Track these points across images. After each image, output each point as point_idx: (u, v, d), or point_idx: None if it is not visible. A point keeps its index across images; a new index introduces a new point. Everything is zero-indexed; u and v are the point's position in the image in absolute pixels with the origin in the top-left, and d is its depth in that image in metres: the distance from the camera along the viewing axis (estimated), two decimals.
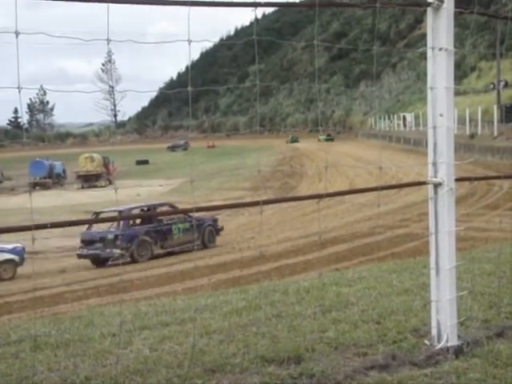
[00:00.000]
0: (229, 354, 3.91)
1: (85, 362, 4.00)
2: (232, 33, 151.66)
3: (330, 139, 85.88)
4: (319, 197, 4.10)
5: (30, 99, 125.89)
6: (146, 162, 75.14)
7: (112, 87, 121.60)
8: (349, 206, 30.99)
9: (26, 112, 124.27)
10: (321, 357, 3.81)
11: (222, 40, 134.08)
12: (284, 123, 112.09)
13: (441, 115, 3.82)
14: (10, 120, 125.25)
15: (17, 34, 3.24)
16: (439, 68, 3.81)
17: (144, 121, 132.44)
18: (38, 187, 56.07)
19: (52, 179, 59.64)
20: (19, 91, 3.40)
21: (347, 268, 10.95)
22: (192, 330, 4.32)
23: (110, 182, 57.98)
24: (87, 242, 22.51)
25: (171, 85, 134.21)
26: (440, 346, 3.86)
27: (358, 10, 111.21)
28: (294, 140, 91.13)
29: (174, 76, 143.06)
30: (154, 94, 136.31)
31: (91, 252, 22.42)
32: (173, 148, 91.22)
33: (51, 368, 3.92)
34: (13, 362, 4.16)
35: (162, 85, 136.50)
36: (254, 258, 19.17)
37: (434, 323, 3.95)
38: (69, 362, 4.02)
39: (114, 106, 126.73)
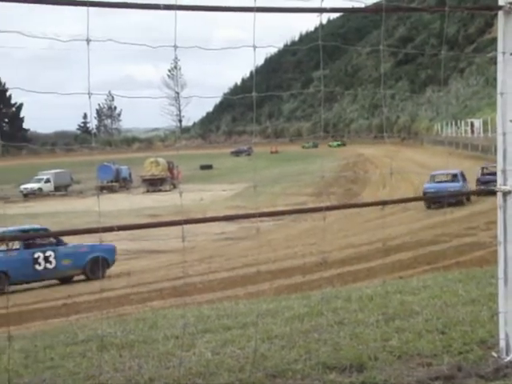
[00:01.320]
0: (290, 360, 3.90)
1: (149, 363, 4.06)
2: (296, 38, 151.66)
3: (341, 145, 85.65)
4: (383, 203, 4.06)
5: (99, 105, 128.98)
6: (209, 167, 75.85)
7: (177, 93, 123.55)
8: (413, 213, 30.52)
9: (95, 117, 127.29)
10: (384, 365, 3.75)
11: (286, 46, 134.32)
12: (348, 129, 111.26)
13: (511, 121, 3.72)
14: (79, 125, 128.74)
15: (88, 41, 3.33)
16: (510, 73, 3.71)
17: (208, 126, 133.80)
18: (105, 191, 57.34)
19: (118, 183, 60.87)
20: (89, 97, 3.49)
21: (411, 276, 10.76)
22: (254, 335, 4.32)
23: (175, 187, 58.74)
24: None
25: (235, 90, 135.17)
26: (508, 358, 3.76)
27: (426, 15, 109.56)
28: (314, 146, 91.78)
29: (238, 81, 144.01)
30: (218, 100, 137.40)
31: None
32: (236, 153, 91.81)
33: (116, 368, 4.00)
34: (80, 360, 4.27)
35: (226, 90, 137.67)
36: (317, 264, 19.07)
37: (502, 335, 3.84)
38: (133, 363, 4.09)
39: (179, 111, 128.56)
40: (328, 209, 3.78)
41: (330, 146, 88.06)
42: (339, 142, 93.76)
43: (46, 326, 11.57)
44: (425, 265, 17.47)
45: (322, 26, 4.36)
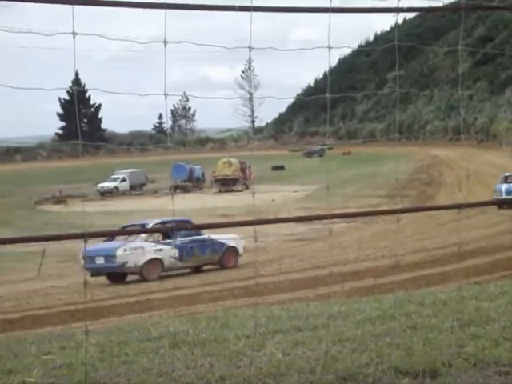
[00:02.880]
0: (361, 363, 3.86)
1: (220, 362, 4.10)
2: (371, 38, 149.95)
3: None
4: (459, 207, 3.96)
5: (174, 105, 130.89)
6: (281, 168, 75.89)
7: (251, 94, 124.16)
8: (490, 217, 29.70)
9: (170, 118, 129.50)
10: (458, 372, 3.67)
11: (360, 46, 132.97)
12: (423, 130, 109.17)
13: None
14: (154, 125, 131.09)
15: (165, 43, 3.39)
16: None
17: (281, 127, 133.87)
18: (178, 190, 58.22)
19: (192, 183, 61.66)
20: (165, 97, 3.55)
21: (488, 282, 10.47)
22: (325, 337, 4.30)
23: (247, 187, 59.07)
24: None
25: (308, 91, 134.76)
26: None
27: (506, 13, 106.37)
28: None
29: (312, 82, 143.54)
30: (291, 101, 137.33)
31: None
32: (309, 154, 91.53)
33: (188, 365, 4.06)
34: (153, 357, 4.35)
35: (299, 91, 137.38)
36: (389, 267, 18.81)
37: None
38: (205, 361, 4.14)
39: (252, 112, 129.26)
40: (402, 211, 3.72)
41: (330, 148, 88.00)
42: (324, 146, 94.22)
43: (121, 321, 11.86)
44: (502, 270, 16.97)
45: (397, 25, 4.30)
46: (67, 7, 3.14)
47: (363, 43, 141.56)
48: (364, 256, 22.93)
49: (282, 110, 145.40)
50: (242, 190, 57.50)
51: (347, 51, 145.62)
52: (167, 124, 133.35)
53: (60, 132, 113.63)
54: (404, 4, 3.51)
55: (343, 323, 5.00)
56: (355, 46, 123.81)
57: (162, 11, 3.26)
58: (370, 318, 5.07)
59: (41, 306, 17.21)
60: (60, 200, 53.09)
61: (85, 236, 3.47)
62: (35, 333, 9.75)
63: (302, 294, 16.02)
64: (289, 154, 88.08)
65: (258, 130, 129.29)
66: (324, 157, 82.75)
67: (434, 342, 4.23)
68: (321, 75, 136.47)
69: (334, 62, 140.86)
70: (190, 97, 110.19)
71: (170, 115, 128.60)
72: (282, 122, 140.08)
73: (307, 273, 20.08)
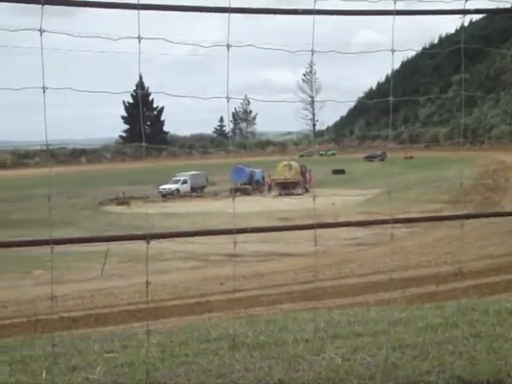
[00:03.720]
0: (422, 371, 3.79)
1: (279, 365, 4.10)
2: (436, 41, 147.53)
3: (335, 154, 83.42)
4: None
5: (235, 108, 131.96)
6: (342, 172, 75.41)
7: (312, 97, 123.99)
8: None
9: (231, 121, 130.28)
10: None
11: (424, 49, 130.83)
12: (488, 135, 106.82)
13: None
14: (215, 128, 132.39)
15: (228, 46, 3.42)
16: None
17: (342, 130, 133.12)
18: (238, 193, 58.50)
19: (252, 186, 61.86)
20: (227, 101, 3.58)
21: None
22: (385, 343, 4.25)
23: (307, 190, 58.90)
24: None
25: (370, 94, 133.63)
26: None
27: None
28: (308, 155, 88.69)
29: (374, 85, 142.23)
30: (352, 104, 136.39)
31: None
32: (370, 158, 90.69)
33: (247, 368, 4.07)
34: (212, 358, 4.38)
35: (361, 94, 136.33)
36: (451, 273, 18.44)
37: None
38: (263, 364, 4.14)
39: (313, 115, 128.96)
40: (466, 217, 3.65)
41: (321, 155, 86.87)
42: (334, 152, 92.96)
43: (181, 322, 11.99)
44: None
45: (463, 27, 4.20)
46: (132, 12, 3.20)
47: (427, 45, 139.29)
48: (426, 262, 22.56)
49: (343, 113, 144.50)
50: (301, 194, 57.37)
51: (411, 54, 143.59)
52: (228, 127, 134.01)
53: (124, 134, 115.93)
54: (470, 6, 3.44)
55: (404, 330, 4.93)
56: (419, 48, 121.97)
57: (225, 15, 3.29)
58: (431, 325, 4.98)
59: (103, 305, 17.57)
60: (123, 201, 54.05)
61: (147, 237, 3.52)
62: (98, 331, 9.96)
63: (362, 298, 15.87)
64: (349, 158, 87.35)
65: (319, 134, 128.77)
66: (385, 161, 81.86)
67: (498, 351, 4.12)
68: (383, 78, 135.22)
69: (398, 65, 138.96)
70: (251, 100, 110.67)
71: (231, 118, 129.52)
72: (342, 126, 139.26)
73: (367, 278, 19.89)
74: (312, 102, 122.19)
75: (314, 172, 61.12)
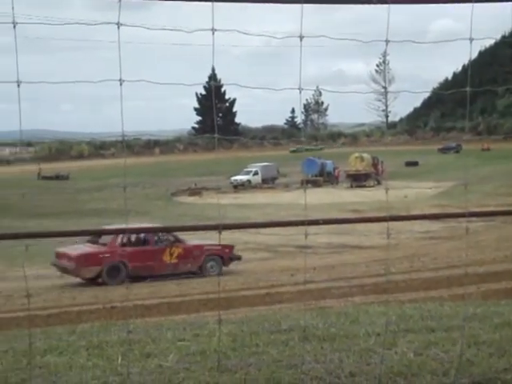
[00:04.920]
0: (499, 369, 3.70)
1: (349, 358, 4.08)
2: None
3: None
4: None
5: (307, 100, 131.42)
6: (415, 164, 74.14)
7: (385, 88, 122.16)
8: None
9: (302, 112, 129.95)
10: None
11: (504, 37, 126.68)
12: None
13: None
14: (286, 119, 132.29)
15: (301, 37, 3.40)
16: None
17: (415, 122, 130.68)
18: (309, 184, 58.43)
19: (323, 177, 61.65)
20: (300, 92, 3.57)
21: None
22: (459, 339, 4.16)
23: (379, 182, 58.29)
24: None
25: (445, 85, 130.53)
26: None
27: None
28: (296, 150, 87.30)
29: (449, 76, 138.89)
30: (427, 95, 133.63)
31: None
32: (444, 150, 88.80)
33: (318, 360, 4.07)
34: (283, 349, 4.40)
35: (436, 85, 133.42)
36: None
37: None
38: (334, 356, 4.13)
39: (386, 106, 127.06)
40: None
41: (307, 150, 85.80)
42: (322, 147, 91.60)
43: (252, 312, 12.07)
44: None
45: None
46: (207, 4, 3.22)
47: (507, 34, 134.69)
48: (502, 257, 21.92)
49: (417, 104, 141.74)
50: (373, 186, 56.84)
51: (489, 42, 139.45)
52: (300, 118, 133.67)
53: (196, 126, 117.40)
54: None
55: (479, 326, 4.82)
56: (498, 36, 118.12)
57: (298, 6, 3.27)
58: (508, 322, 4.85)
59: (175, 294, 17.87)
60: (195, 192, 54.84)
61: (219, 227, 3.56)
62: (171, 319, 10.14)
63: (436, 293, 15.56)
64: (423, 150, 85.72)
65: (392, 125, 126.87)
66: (460, 153, 79.98)
67: None
68: (460, 68, 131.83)
69: (475, 54, 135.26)
70: (322, 91, 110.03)
71: (302, 109, 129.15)
72: (416, 117, 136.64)
73: (441, 272, 19.49)
74: (385, 93, 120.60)
75: (387, 164, 60.34)
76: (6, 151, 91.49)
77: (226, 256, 22.07)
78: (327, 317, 5.68)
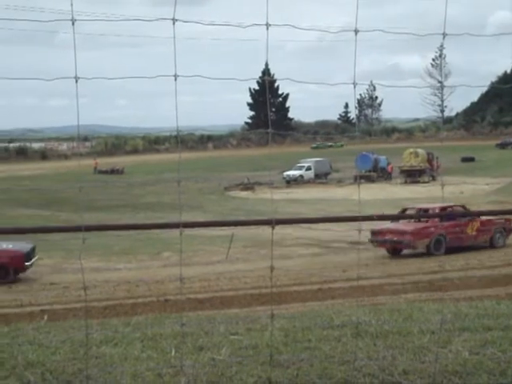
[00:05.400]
0: None
1: (403, 355, 4.04)
2: None
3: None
4: None
5: (360, 95, 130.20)
6: (471, 160, 72.67)
7: (441, 82, 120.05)
8: None
9: (356, 107, 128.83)
10: None
11: None
12: None
13: None
14: (340, 114, 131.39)
15: (356, 31, 3.37)
16: None
17: (472, 117, 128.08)
18: (362, 180, 57.88)
19: (376, 173, 61.04)
20: (354, 87, 3.54)
21: None
22: None
23: (433, 178, 57.36)
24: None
25: (504, 79, 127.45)
26: None
27: None
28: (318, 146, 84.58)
29: (508, 69, 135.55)
30: (484, 89, 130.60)
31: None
32: (502, 145, 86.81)
33: (370, 356, 4.04)
34: (335, 345, 4.38)
35: (494, 79, 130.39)
36: None
37: None
38: (387, 353, 4.09)
39: (442, 101, 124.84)
40: None
41: (330, 146, 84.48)
42: (342, 143, 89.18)
43: (304, 308, 12.07)
44: None
45: None
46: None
47: None
48: None
49: (474, 98, 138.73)
50: (428, 182, 55.99)
51: None
52: (353, 113, 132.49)
53: (249, 121, 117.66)
54: None
55: None
56: None
57: (353, 0, 3.25)
58: None
59: (228, 288, 17.98)
60: (248, 187, 55.01)
61: (272, 222, 3.56)
62: (223, 313, 10.22)
63: (492, 291, 15.25)
64: (480, 145, 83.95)
65: (448, 120, 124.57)
66: None
67: None
68: None
69: None
70: (377, 86, 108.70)
71: (356, 104, 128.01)
72: (473, 112, 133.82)
73: (497, 270, 19.11)
74: (441, 88, 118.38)
75: (442, 159, 59.35)
76: (64, 146, 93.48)
77: (508, 228, 25.37)
78: (380, 313, 5.64)
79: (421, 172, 58.76)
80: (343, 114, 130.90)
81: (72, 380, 3.85)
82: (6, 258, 19.16)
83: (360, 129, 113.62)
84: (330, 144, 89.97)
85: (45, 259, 22.33)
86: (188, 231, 3.49)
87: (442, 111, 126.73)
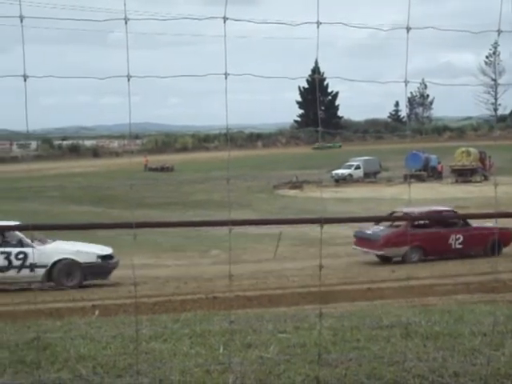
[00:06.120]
0: None
1: (454, 357, 3.98)
2: None
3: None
4: None
5: (411, 93, 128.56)
6: None
7: (495, 80, 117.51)
8: None
9: (406, 105, 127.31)
10: None
11: None
12: None
13: None
14: (390, 113, 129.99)
15: (408, 29, 3.34)
16: None
17: None
18: (412, 179, 57.16)
19: (427, 172, 60.23)
20: (405, 85, 3.50)
21: None
22: None
23: (486, 178, 56.30)
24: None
25: None
26: None
27: None
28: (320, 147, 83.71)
29: None
30: None
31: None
32: None
33: (420, 357, 3.99)
34: (384, 345, 4.34)
35: None
36: None
37: None
38: (437, 355, 4.04)
39: (495, 99, 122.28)
40: None
41: (329, 147, 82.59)
42: (340, 144, 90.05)
43: (353, 307, 12.00)
44: None
45: None
46: None
47: None
48: None
49: None
50: (480, 181, 54.96)
51: None
52: (404, 112, 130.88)
53: (298, 119, 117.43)
54: None
55: None
56: None
57: None
58: None
59: (276, 286, 17.99)
60: (296, 185, 54.94)
61: (321, 221, 3.55)
62: (271, 311, 10.24)
63: None
64: None
65: (501, 119, 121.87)
66: None
67: None
68: None
69: None
70: (428, 84, 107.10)
71: (407, 103, 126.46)
72: None
73: None
74: (495, 86, 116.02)
75: (495, 159, 58.17)
76: (115, 144, 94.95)
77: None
78: (430, 314, 5.57)
79: (472, 171, 57.74)
80: (393, 113, 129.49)
81: (122, 374, 3.91)
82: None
83: (411, 127, 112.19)
84: (328, 145, 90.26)
85: None
86: (236, 229, 3.51)
87: (496, 109, 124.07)
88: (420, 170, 59.87)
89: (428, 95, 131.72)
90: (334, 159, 64.48)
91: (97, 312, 11.16)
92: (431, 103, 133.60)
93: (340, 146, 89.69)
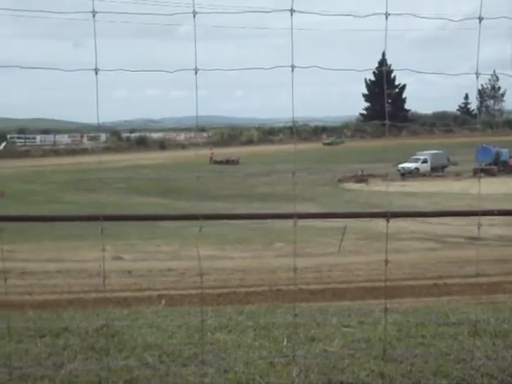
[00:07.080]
0: None
1: None
2: None
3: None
4: None
5: (482, 85, 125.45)
6: None
7: None
8: None
9: (477, 98, 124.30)
10: None
11: None
12: None
13: None
14: (459, 106, 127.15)
15: (480, 19, 3.25)
16: None
17: None
18: (482, 173, 55.73)
19: (497, 166, 58.66)
20: (477, 77, 3.42)
21: None
22: None
23: None
24: None
25: None
26: None
27: None
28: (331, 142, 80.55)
29: None
30: None
31: None
32: None
33: (489, 356, 3.90)
34: (451, 342, 4.26)
35: None
36: None
37: None
38: (507, 353, 3.95)
39: None
40: None
41: (337, 143, 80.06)
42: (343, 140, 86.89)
43: (418, 303, 11.83)
44: None
45: None
46: None
47: None
48: None
49: None
50: None
51: None
52: (474, 104, 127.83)
53: (364, 112, 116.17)
54: None
55: None
56: None
57: None
58: None
59: (340, 280, 17.92)
60: (361, 179, 54.42)
61: (387, 215, 3.51)
62: (335, 305, 10.19)
63: None
64: None
65: None
66: None
67: None
68: None
69: None
70: (500, 76, 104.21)
71: (476, 95, 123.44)
72: None
73: None
74: None
75: None
76: (182, 136, 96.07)
77: None
78: (499, 312, 5.43)
79: None
80: (463, 106, 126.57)
81: (188, 364, 3.97)
82: None
83: (481, 120, 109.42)
84: (338, 140, 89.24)
85: (162, 246, 23.14)
86: (301, 222, 3.51)
87: None
88: (490, 164, 58.35)
89: (499, 87, 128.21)
90: (401, 153, 63.49)
91: (163, 302, 11.35)
92: (503, 95, 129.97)
93: (343, 142, 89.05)
